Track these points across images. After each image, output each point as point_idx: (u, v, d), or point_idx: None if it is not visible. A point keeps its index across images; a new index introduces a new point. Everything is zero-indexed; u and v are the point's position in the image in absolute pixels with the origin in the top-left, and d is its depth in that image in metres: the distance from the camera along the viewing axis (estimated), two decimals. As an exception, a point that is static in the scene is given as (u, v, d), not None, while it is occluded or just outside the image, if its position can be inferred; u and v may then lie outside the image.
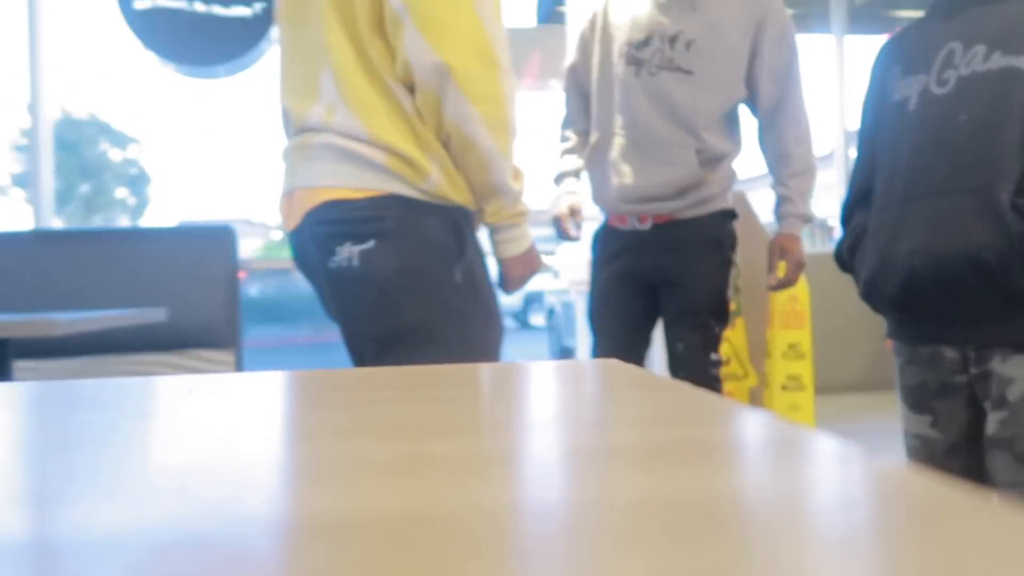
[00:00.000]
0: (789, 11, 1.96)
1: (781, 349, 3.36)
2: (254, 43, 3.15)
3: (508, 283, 1.25)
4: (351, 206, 1.10)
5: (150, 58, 3.16)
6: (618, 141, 1.91)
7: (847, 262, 1.38)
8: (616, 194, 1.91)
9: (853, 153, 4.13)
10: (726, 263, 1.94)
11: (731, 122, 1.94)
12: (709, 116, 1.86)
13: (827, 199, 4.95)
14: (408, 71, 1.07)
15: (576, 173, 2.09)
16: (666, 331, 1.97)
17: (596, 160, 1.98)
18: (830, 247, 5.89)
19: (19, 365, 2.54)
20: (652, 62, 1.86)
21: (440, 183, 1.11)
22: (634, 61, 1.88)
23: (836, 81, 4.31)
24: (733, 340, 3.39)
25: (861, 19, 4.58)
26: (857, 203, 1.37)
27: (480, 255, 1.19)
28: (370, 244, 1.09)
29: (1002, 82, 1.12)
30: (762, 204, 3.32)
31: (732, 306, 1.99)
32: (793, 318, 3.36)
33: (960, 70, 1.17)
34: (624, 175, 1.90)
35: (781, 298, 3.36)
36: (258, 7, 3.15)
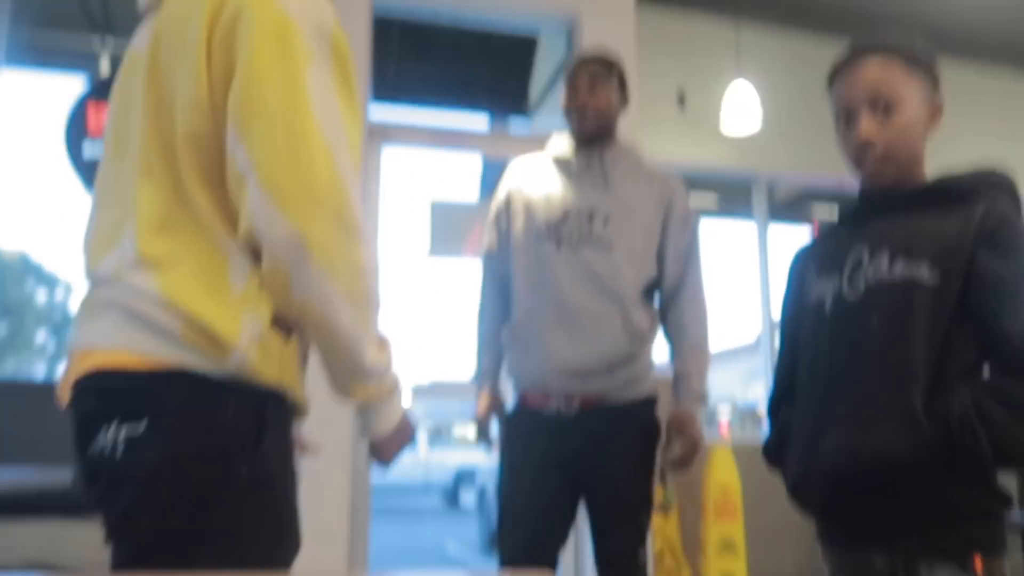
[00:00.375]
0: (713, 194, 2.12)
1: (715, 544, 3.26)
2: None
3: (380, 460, 1.14)
4: (126, 377, 0.92)
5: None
6: (544, 318, 1.88)
7: (774, 459, 1.40)
8: (544, 370, 1.85)
9: (777, 342, 4.26)
10: (653, 452, 1.90)
11: (650, 300, 1.96)
12: (631, 289, 1.87)
13: (754, 386, 5.03)
14: (252, 239, 0.93)
15: (495, 372, 2.04)
16: (593, 525, 1.89)
17: (520, 339, 1.93)
18: (760, 436, 5.94)
19: None
20: (572, 238, 1.88)
21: (249, 361, 0.93)
22: (553, 239, 1.89)
23: (760, 272, 4.54)
24: (667, 533, 3.28)
25: (781, 212, 4.93)
26: (782, 398, 1.42)
27: (284, 450, 1.03)
28: (140, 428, 0.90)
29: (905, 292, 1.20)
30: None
31: (659, 494, 1.95)
32: (726, 510, 3.30)
33: (868, 276, 1.25)
34: (552, 351, 1.85)
35: (714, 489, 3.31)
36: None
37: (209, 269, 0.94)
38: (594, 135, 1.96)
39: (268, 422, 0.97)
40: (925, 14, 4.45)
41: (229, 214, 0.95)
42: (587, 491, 1.87)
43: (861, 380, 1.22)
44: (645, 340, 1.90)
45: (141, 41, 1.06)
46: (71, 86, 3.14)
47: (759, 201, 4.59)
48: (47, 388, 2.85)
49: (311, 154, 0.92)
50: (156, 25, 1.02)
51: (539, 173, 2.02)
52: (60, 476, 2.03)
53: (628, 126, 3.67)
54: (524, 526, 1.84)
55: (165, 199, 0.96)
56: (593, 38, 3.70)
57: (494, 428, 1.98)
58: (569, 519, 1.89)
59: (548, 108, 4.15)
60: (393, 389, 1.08)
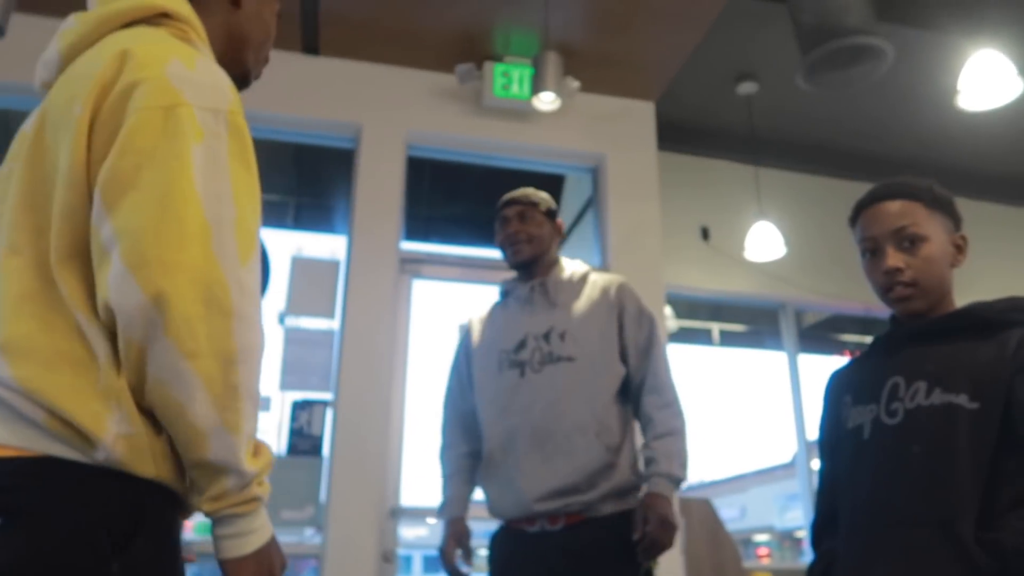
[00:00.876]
0: (741, 327, 2.14)
1: (756, 675, 3.10)
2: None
3: None
4: None
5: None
6: (518, 446, 1.88)
7: None
8: (526, 498, 1.84)
9: (814, 464, 4.15)
10: (640, 569, 1.85)
11: (624, 405, 1.97)
12: (603, 395, 1.90)
13: (792, 510, 4.86)
14: (109, 314, 0.86)
15: (460, 502, 2.03)
16: None
17: (493, 471, 1.94)
18: (800, 562, 5.67)
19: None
20: (534, 360, 1.93)
21: (118, 455, 0.85)
22: (515, 364, 1.95)
23: (792, 396, 4.52)
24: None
25: (810, 339, 4.92)
26: (824, 526, 1.39)
27: (164, 549, 0.93)
28: None
29: (946, 416, 1.20)
30: (727, 510, 3.28)
31: None
32: (764, 641, 3.15)
33: (906, 403, 1.26)
34: (529, 476, 1.84)
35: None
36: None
37: (71, 355, 0.87)
38: (531, 260, 2.05)
39: (145, 517, 0.88)
40: (937, 157, 4.59)
41: (92, 295, 0.88)
42: None
43: (907, 510, 1.19)
44: (621, 447, 1.91)
45: (29, 120, 1.02)
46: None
47: (787, 327, 4.60)
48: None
49: (184, 228, 0.87)
50: (45, 103, 0.99)
51: (490, 312, 2.12)
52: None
53: (654, 258, 3.80)
54: None
55: (29, 279, 0.89)
56: (618, 176, 3.86)
57: (460, 562, 1.95)
58: None
59: (574, 244, 4.26)
60: (257, 503, 0.94)
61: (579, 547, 1.79)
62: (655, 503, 1.83)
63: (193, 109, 0.92)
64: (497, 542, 1.95)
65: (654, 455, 1.89)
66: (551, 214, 2.12)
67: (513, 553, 1.87)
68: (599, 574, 1.78)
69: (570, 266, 2.10)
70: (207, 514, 0.93)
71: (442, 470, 2.10)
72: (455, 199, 4.23)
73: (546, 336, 1.95)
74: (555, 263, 2.10)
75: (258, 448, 0.96)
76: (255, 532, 0.94)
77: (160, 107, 0.91)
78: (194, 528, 3.66)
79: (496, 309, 2.12)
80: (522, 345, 1.96)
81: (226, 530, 0.93)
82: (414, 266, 3.65)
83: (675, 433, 1.91)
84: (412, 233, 3.78)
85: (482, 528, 2.17)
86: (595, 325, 1.96)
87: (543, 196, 2.13)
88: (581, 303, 1.99)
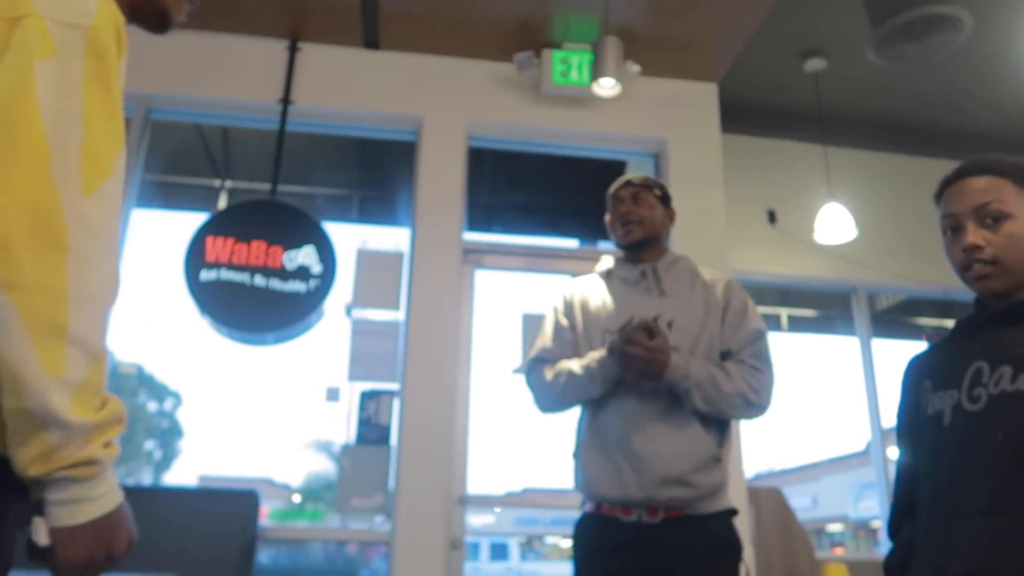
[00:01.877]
0: (811, 312, 2.07)
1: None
2: (305, 316, 3.36)
3: (58, 567, 0.84)
4: None
5: (204, 323, 3.36)
6: (618, 427, 1.81)
7: None
8: (625, 485, 1.77)
9: (889, 451, 4.02)
10: (736, 566, 1.81)
11: None
12: None
13: (867, 499, 4.74)
14: None
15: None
16: None
17: (592, 453, 1.86)
18: (876, 553, 5.52)
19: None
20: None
21: None
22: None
23: (865, 382, 4.38)
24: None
25: (884, 323, 4.76)
26: (903, 515, 1.35)
27: None
28: None
29: None
30: (798, 500, 3.22)
31: None
32: (841, 634, 3.09)
33: (990, 388, 1.21)
34: (633, 465, 1.77)
35: (826, 608, 3.12)
36: (313, 283, 3.40)
37: None
38: (641, 242, 1.99)
39: None
40: (1015, 129, 4.37)
41: None
42: None
43: (990, 498, 1.15)
44: (724, 443, 1.85)
45: None
46: (194, 222, 3.42)
47: (860, 312, 4.46)
48: (153, 492, 3.00)
49: (17, 146, 0.80)
50: None
51: (594, 288, 2.03)
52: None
53: (719, 243, 3.72)
54: None
55: None
56: (681, 161, 3.79)
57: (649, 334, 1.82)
58: None
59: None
60: (95, 468, 0.82)
61: (681, 541, 1.75)
62: (666, 349, 1.77)
63: (45, 21, 0.85)
64: (584, 529, 1.88)
65: (709, 366, 1.82)
66: (665, 200, 2.07)
67: (604, 542, 1.80)
68: (704, 570, 1.74)
69: (678, 257, 2.06)
70: (34, 481, 0.81)
71: (556, 376, 1.92)
72: (516, 188, 4.23)
73: (654, 321, 1.85)
74: (664, 251, 2.05)
75: (105, 402, 0.84)
76: (93, 500, 0.83)
77: (5, 18, 0.84)
78: (269, 514, 3.78)
79: (598, 286, 2.04)
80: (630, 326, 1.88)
81: (57, 495, 0.82)
82: (477, 256, 3.67)
83: (733, 380, 1.81)
84: (474, 223, 3.79)
85: (562, 516, 2.13)
86: (700, 320, 1.91)
87: (658, 181, 2.08)
88: (686, 297, 1.94)
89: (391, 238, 3.73)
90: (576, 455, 1.91)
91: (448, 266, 3.51)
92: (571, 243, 4.20)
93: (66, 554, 0.82)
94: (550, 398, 1.94)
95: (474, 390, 3.44)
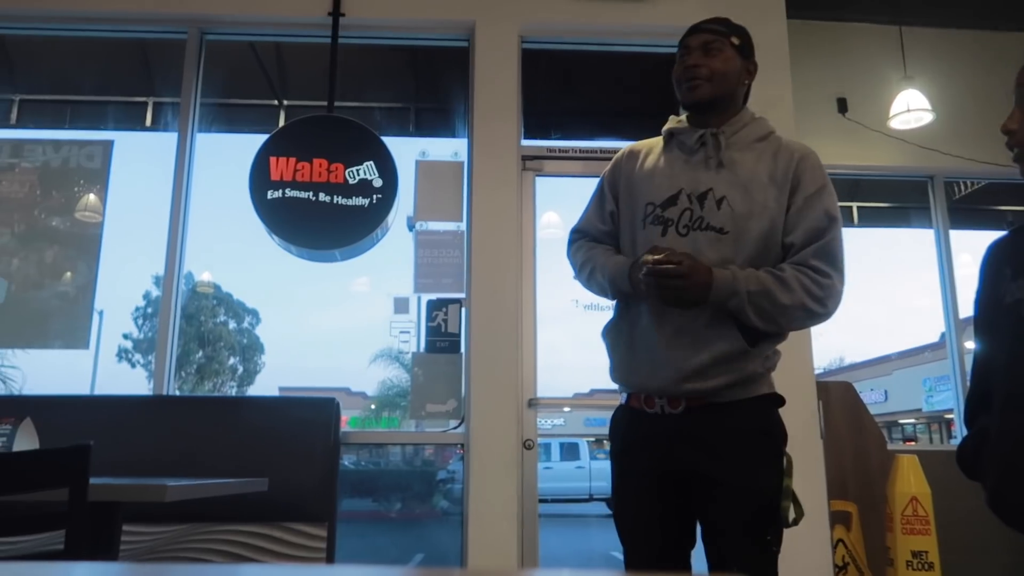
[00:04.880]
0: (884, 204, 1.93)
1: (904, 557, 3.08)
2: (370, 230, 3.42)
3: None
4: None
5: (274, 242, 3.46)
6: (646, 316, 1.67)
7: (971, 467, 1.32)
8: (645, 372, 1.66)
9: (966, 344, 3.94)
10: (776, 458, 1.61)
11: None
12: None
13: (941, 391, 4.68)
14: None
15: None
16: (706, 546, 1.63)
17: (619, 334, 1.74)
18: (951, 445, 5.48)
19: (126, 529, 2.60)
20: (680, 222, 1.66)
21: None
22: (660, 221, 1.68)
23: (940, 273, 4.26)
24: (852, 544, 3.16)
25: (961, 213, 4.57)
26: (979, 404, 1.33)
27: None
28: None
29: None
30: (870, 394, 3.20)
31: (791, 516, 1.57)
32: (916, 523, 3.11)
33: None
34: (653, 349, 1.65)
35: (900, 500, 3.14)
36: (375, 197, 3.44)
37: None
38: (708, 103, 1.73)
39: None
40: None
41: None
42: (696, 498, 1.64)
43: None
44: (760, 337, 1.63)
45: None
46: (257, 142, 3.46)
47: (936, 201, 4.29)
48: (241, 402, 3.18)
49: None
50: None
51: (649, 153, 1.81)
52: (257, 485, 2.23)
53: (785, 136, 3.58)
54: (639, 542, 1.68)
55: None
56: (743, 50, 3.62)
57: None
58: (688, 533, 1.68)
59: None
60: None
61: (704, 430, 1.61)
62: (702, 266, 1.58)
63: None
64: (616, 423, 1.78)
65: (759, 273, 1.61)
66: (745, 50, 1.76)
67: (632, 435, 1.71)
68: (732, 459, 1.59)
69: (752, 119, 1.77)
70: None
71: (595, 263, 1.80)
72: (574, 91, 4.13)
73: (701, 198, 1.66)
74: (737, 112, 1.76)
75: None
76: None
77: None
78: (349, 421, 3.97)
79: (655, 152, 1.81)
80: (672, 201, 1.68)
81: None
82: (536, 163, 3.64)
83: (791, 290, 1.58)
84: (532, 130, 3.74)
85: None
86: (760, 200, 1.65)
87: (738, 26, 1.79)
88: (750, 170, 1.67)
89: (450, 148, 3.72)
90: (604, 334, 1.80)
91: (507, 174, 3.49)
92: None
93: None
94: (580, 279, 1.86)
95: (540, 295, 3.48)
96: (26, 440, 2.03)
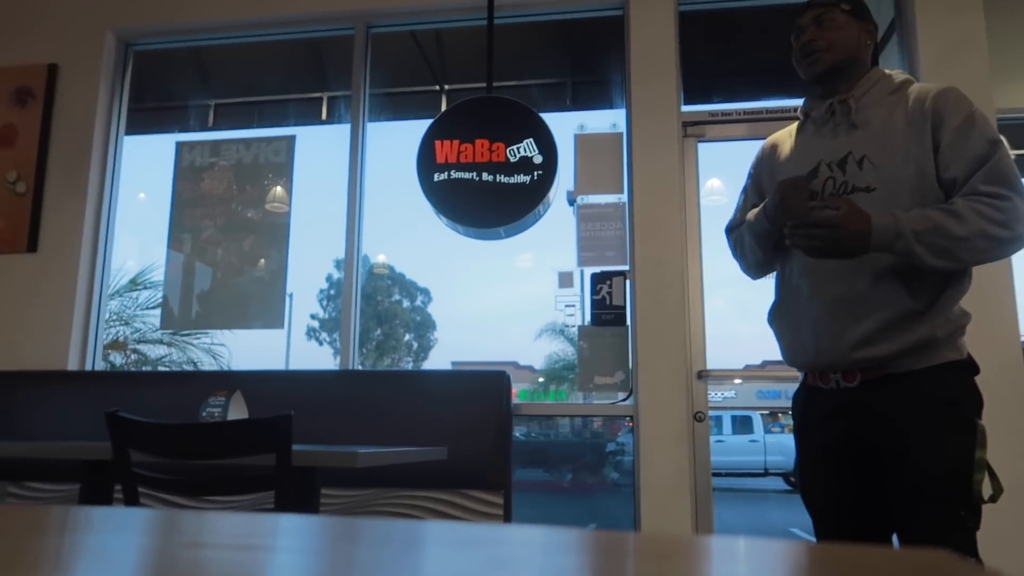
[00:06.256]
0: None
1: None
2: (532, 207, 3.48)
3: None
4: None
5: (441, 222, 3.60)
6: (809, 289, 1.65)
7: None
8: (812, 348, 1.63)
9: None
10: (966, 430, 1.51)
11: None
12: None
13: None
14: None
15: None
16: (897, 526, 1.57)
17: (782, 316, 1.74)
18: None
19: (324, 492, 2.85)
20: (825, 191, 1.65)
21: None
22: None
23: None
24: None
25: None
26: None
27: None
28: None
29: None
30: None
31: (987, 492, 1.47)
32: None
33: None
34: (816, 322, 1.62)
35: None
36: (536, 174, 3.49)
37: None
38: (830, 72, 1.73)
39: None
40: None
41: None
42: (883, 475, 1.58)
43: None
44: (939, 293, 1.56)
45: None
46: (422, 127, 3.62)
47: None
48: (418, 376, 3.36)
49: None
50: None
51: (788, 139, 1.84)
52: (437, 454, 2.34)
53: (978, 79, 3.24)
54: (829, 521, 1.66)
55: None
56: (926, -12, 3.31)
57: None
58: (880, 507, 1.61)
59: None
60: None
61: (884, 402, 1.56)
62: (859, 211, 1.52)
63: None
64: (796, 402, 1.78)
65: (931, 211, 1.53)
66: (859, 13, 1.76)
67: (812, 413, 1.70)
68: (914, 430, 1.52)
69: (881, 75, 1.74)
70: None
71: (736, 244, 1.89)
72: (735, 51, 3.96)
73: (842, 163, 1.65)
74: (864, 74, 1.74)
75: None
76: None
77: None
78: (518, 394, 4.08)
79: (790, 135, 1.86)
80: (814, 173, 1.69)
81: None
82: (697, 129, 3.53)
83: (964, 220, 1.49)
84: (692, 95, 3.63)
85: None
86: (900, 146, 1.61)
87: None
88: (886, 119, 1.65)
89: (608, 120, 3.69)
90: (769, 321, 1.80)
91: (668, 142, 3.42)
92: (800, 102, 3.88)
93: None
94: (743, 265, 1.88)
95: (706, 263, 3.40)
96: (237, 410, 2.26)
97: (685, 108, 3.52)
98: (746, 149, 3.62)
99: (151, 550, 0.35)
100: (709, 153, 3.54)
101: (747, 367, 3.84)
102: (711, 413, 3.30)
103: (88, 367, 3.73)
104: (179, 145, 3.97)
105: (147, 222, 4.05)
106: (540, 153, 3.52)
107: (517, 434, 5.44)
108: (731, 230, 1.93)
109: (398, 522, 0.46)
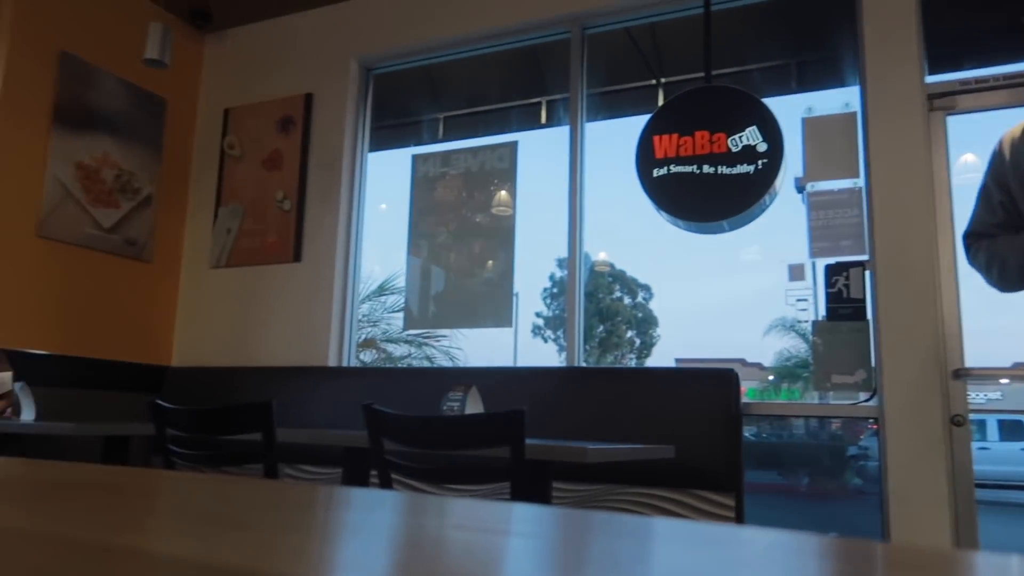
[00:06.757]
0: None
1: None
2: (757, 198, 3.33)
3: None
4: None
5: (661, 218, 3.57)
6: None
7: None
8: None
9: None
10: None
11: None
12: None
13: None
14: None
15: None
16: None
17: None
18: None
19: (554, 485, 2.94)
20: None
21: None
22: None
23: None
24: None
25: None
26: None
27: None
28: None
29: None
30: None
31: None
32: None
33: None
34: None
35: None
36: (760, 163, 3.34)
37: None
38: None
39: None
40: None
41: None
42: None
43: None
44: None
45: None
46: (639, 124, 3.61)
47: None
48: (643, 374, 3.35)
49: None
50: None
51: None
52: (664, 452, 2.33)
53: None
54: None
55: None
56: None
57: None
58: None
59: None
60: None
61: None
62: None
63: None
64: None
65: None
66: None
67: None
68: None
69: None
70: None
71: (990, 260, 1.76)
72: (988, 5, 3.51)
73: None
74: None
75: None
76: None
77: None
78: (746, 392, 3.93)
79: None
80: None
81: None
82: (945, 100, 3.18)
83: None
84: (937, 64, 3.28)
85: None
86: None
87: None
88: None
89: (839, 100, 3.45)
90: None
91: (910, 117, 3.12)
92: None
93: None
94: (994, 280, 1.74)
95: (961, 250, 3.06)
96: (474, 404, 2.41)
97: (929, 79, 3.19)
98: (1008, 119, 3.20)
99: (424, 530, 0.40)
100: (961, 126, 3.18)
101: (1016, 365, 3.39)
102: (972, 417, 2.97)
103: (344, 364, 4.15)
104: (414, 158, 4.29)
105: (388, 231, 4.43)
106: (764, 140, 3.36)
107: (747, 434, 5.24)
108: (973, 237, 1.79)
109: (653, 519, 0.47)
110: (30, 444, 3.41)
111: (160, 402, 2.36)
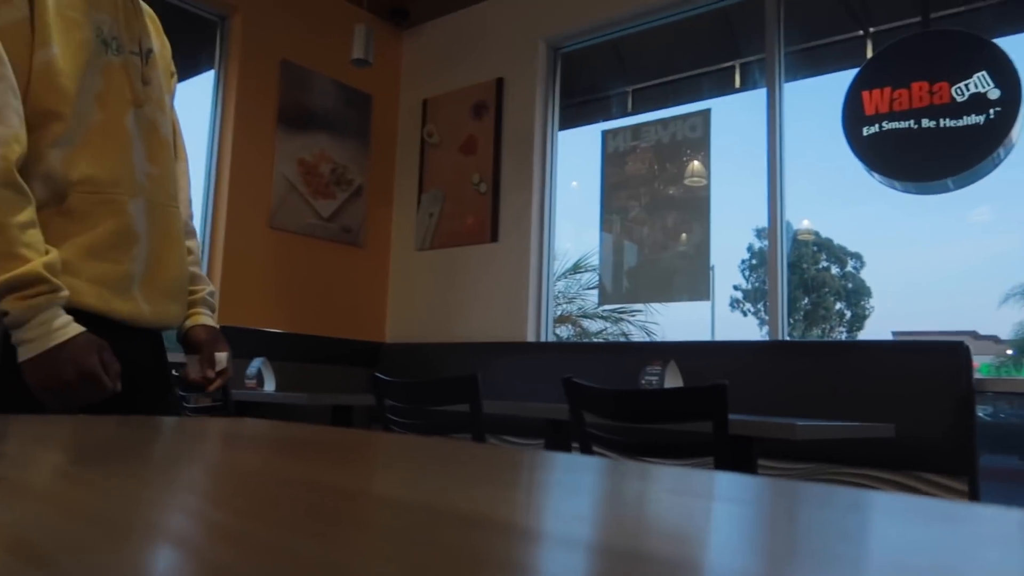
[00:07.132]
0: None
1: None
2: (989, 151, 2.98)
3: (33, 392, 1.04)
4: None
5: (874, 179, 3.29)
6: None
7: None
8: None
9: None
10: None
11: None
12: None
13: None
14: None
15: None
16: None
17: None
18: None
19: (759, 463, 2.85)
20: None
21: None
22: None
23: None
24: None
25: None
26: None
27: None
28: None
29: None
30: None
31: None
32: None
33: None
34: None
35: None
36: (992, 112, 2.98)
37: None
38: None
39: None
40: None
41: None
42: None
43: None
44: None
45: None
46: (844, 80, 3.35)
47: None
48: (858, 347, 3.13)
49: None
50: None
51: None
52: (884, 431, 2.17)
53: None
54: None
55: None
56: None
57: None
58: None
59: None
60: (7, 315, 1.01)
61: None
62: None
63: None
64: None
65: None
66: None
67: None
68: None
69: None
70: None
71: None
72: None
73: None
74: None
75: (17, 266, 1.02)
76: (26, 343, 1.02)
77: None
78: (979, 368, 3.54)
79: None
80: None
81: (17, 334, 1.04)
82: None
83: None
84: None
85: None
86: None
87: None
88: None
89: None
90: None
91: None
92: None
93: (28, 380, 1.06)
94: None
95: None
96: (672, 379, 2.38)
97: None
98: None
99: (639, 492, 0.41)
100: None
101: None
102: None
103: (542, 339, 4.26)
104: (604, 133, 4.28)
105: (581, 208, 4.46)
106: (997, 87, 3.00)
107: (980, 414, 4.73)
108: None
109: (887, 494, 0.45)
110: (269, 410, 3.84)
111: (380, 375, 2.56)
